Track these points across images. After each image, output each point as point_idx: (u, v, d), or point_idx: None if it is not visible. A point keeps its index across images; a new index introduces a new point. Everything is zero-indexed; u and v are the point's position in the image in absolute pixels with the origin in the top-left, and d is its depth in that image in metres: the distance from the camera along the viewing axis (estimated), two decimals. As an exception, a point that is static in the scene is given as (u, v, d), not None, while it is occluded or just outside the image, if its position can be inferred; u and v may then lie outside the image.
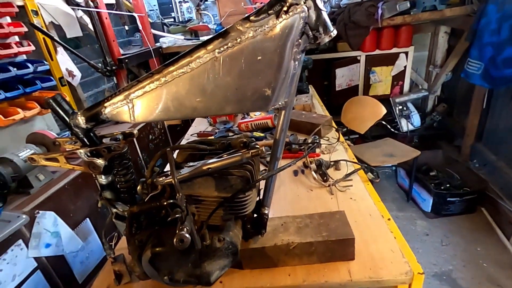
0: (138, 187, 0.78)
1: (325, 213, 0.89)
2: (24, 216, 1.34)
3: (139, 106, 0.64)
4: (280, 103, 0.62)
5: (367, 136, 3.01)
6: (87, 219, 1.89)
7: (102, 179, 0.76)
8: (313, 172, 1.21)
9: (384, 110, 2.59)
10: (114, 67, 2.43)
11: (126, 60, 2.48)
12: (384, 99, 3.12)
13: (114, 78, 2.53)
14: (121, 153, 0.71)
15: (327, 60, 3.26)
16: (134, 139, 2.37)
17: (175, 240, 0.50)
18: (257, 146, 0.63)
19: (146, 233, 0.75)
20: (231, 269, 0.82)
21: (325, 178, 1.18)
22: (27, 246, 1.48)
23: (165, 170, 0.79)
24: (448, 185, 2.42)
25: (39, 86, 1.90)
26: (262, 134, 1.62)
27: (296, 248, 0.80)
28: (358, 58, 3.20)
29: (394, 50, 3.11)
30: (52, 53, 2.16)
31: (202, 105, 0.62)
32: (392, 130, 3.26)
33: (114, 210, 0.80)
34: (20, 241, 1.44)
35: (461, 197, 2.28)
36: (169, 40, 3.04)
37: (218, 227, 0.73)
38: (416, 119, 3.20)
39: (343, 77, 3.27)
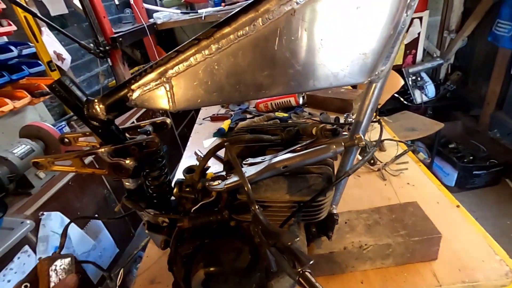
0: (175, 190, 0.63)
1: (395, 206, 0.75)
2: (28, 221, 1.18)
3: (180, 86, 0.47)
4: (377, 72, 0.45)
5: (382, 110, 2.86)
6: (96, 216, 1.74)
7: (130, 184, 0.60)
8: (358, 156, 1.06)
9: (401, 81, 2.43)
10: (107, 47, 2.18)
11: (120, 39, 2.23)
12: (396, 70, 2.95)
13: (108, 60, 2.29)
14: (155, 150, 0.54)
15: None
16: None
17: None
18: (345, 133, 0.47)
19: (191, 245, 0.61)
20: (292, 280, 0.69)
21: (372, 161, 1.04)
22: (35, 252, 1.33)
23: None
24: (471, 158, 2.31)
25: (27, 72, 1.67)
26: (286, 114, 1.45)
27: (370, 251, 0.67)
28: (369, 26, 2.98)
29: (408, 15, 2.89)
30: (37, 34, 1.92)
31: (269, 81, 0.45)
32: (405, 102, 3.11)
33: (146, 219, 0.65)
34: (27, 247, 1.30)
35: (488, 169, 2.19)
36: (163, 15, 2.76)
37: (282, 235, 0.58)
38: (431, 90, 3.05)
39: (353, 48, 3.06)
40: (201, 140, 1.44)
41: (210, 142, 1.41)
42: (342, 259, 0.68)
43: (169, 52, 0.46)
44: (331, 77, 0.44)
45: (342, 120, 1.31)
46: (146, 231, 0.66)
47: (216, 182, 0.48)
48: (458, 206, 0.85)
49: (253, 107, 1.65)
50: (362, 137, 0.45)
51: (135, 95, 0.48)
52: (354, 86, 1.87)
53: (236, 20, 0.42)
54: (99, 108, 0.48)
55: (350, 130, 0.57)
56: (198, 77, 0.46)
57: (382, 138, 1.14)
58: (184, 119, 3.04)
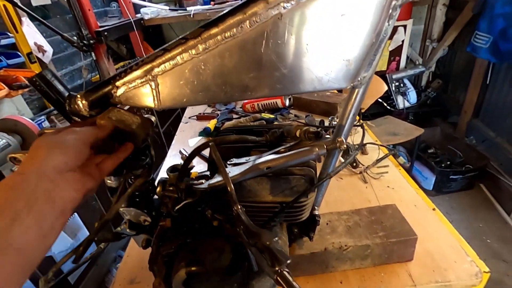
0: (158, 189, 0.62)
1: (374, 208, 0.78)
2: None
3: (166, 85, 0.47)
4: (359, 78, 0.47)
5: (366, 114, 2.93)
6: (75, 213, 1.69)
7: (112, 181, 0.59)
8: (340, 158, 1.09)
9: (385, 87, 2.49)
10: (92, 41, 2.12)
11: (106, 33, 2.18)
12: (380, 76, 3.02)
13: (93, 54, 2.23)
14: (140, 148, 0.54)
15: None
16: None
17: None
18: (328, 136, 0.48)
19: (173, 244, 0.60)
20: (273, 279, 0.69)
21: (354, 164, 1.07)
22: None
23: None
24: (448, 163, 2.40)
25: (4, 63, 1.61)
26: (272, 116, 1.46)
27: (349, 251, 0.68)
28: (355, 32, 3.04)
29: (393, 23, 2.97)
30: (17, 24, 1.84)
31: (255, 83, 0.46)
32: (388, 107, 3.19)
33: (127, 217, 0.64)
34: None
35: (464, 174, 2.28)
36: (151, 10, 2.71)
37: (264, 235, 0.59)
38: (413, 96, 3.15)
39: (339, 53, 3.12)
40: (187, 139, 1.43)
41: (196, 141, 1.40)
42: (323, 260, 0.69)
43: (156, 50, 0.46)
44: (315, 81, 0.46)
45: (326, 123, 1.34)
46: (128, 230, 0.65)
47: (200, 182, 0.48)
48: (434, 209, 0.88)
49: (240, 108, 1.65)
50: (344, 141, 0.46)
51: (119, 92, 0.48)
52: (339, 90, 1.91)
53: (224, 21, 0.43)
54: (81, 104, 0.48)
55: (333, 133, 0.58)
56: (184, 77, 0.46)
57: (365, 142, 1.18)
58: (169, 117, 3.00)
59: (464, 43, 2.73)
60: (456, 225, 2.18)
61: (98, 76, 2.48)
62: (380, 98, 3.06)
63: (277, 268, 0.33)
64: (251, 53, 0.44)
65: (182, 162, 1.08)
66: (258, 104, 1.56)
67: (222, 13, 0.42)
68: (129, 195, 0.50)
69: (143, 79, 0.47)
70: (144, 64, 0.46)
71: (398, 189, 0.96)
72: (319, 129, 0.46)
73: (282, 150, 0.49)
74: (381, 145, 1.13)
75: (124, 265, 0.81)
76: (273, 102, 1.53)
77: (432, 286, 0.67)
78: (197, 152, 0.50)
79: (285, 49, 0.43)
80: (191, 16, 2.60)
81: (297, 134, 0.49)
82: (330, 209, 0.81)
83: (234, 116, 1.59)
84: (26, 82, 1.61)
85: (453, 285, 0.67)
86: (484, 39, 2.06)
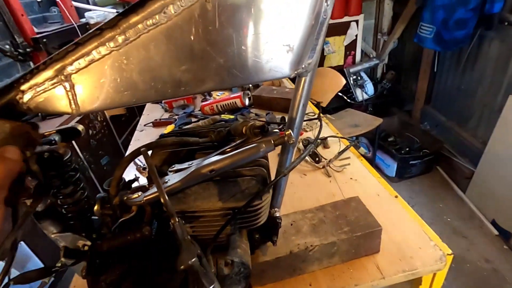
0: (96, 207, 0.54)
1: (338, 202, 0.75)
2: None
3: (83, 85, 0.39)
4: (303, 66, 0.43)
5: (328, 108, 2.98)
6: (21, 242, 1.51)
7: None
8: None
9: (343, 81, 2.56)
10: (28, 49, 1.93)
11: (45, 40, 1.99)
12: (338, 70, 3.10)
13: (31, 63, 2.03)
14: (62, 162, 0.46)
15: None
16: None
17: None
18: (276, 130, 0.44)
19: (116, 270, 0.53)
20: (238, 292, 0.64)
21: (317, 159, 1.05)
22: None
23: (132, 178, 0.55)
24: (407, 149, 2.51)
25: None
26: (232, 116, 1.41)
27: (316, 251, 0.65)
28: (311, 28, 3.09)
29: (346, 18, 3.06)
30: None
31: (189, 76, 0.40)
32: (348, 100, 3.28)
33: (62, 244, 0.55)
34: None
35: (422, 159, 2.39)
36: (97, 14, 2.54)
37: (221, 246, 0.53)
38: (370, 88, 3.27)
39: (297, 50, 3.15)
40: (142, 147, 1.33)
41: (152, 149, 1.30)
42: (289, 263, 0.65)
43: (67, 46, 0.39)
44: (257, 71, 0.41)
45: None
46: (63, 258, 0.56)
47: (135, 195, 0.41)
48: (396, 197, 0.89)
49: (199, 110, 1.58)
50: (292, 134, 0.42)
51: (26, 97, 0.40)
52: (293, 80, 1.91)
53: (144, 7, 0.37)
54: (-23, 115, 0.39)
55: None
56: (104, 74, 0.39)
57: (326, 135, 1.16)
58: (128, 126, 2.83)
59: (411, 35, 2.88)
60: (419, 208, 2.25)
61: (41, 87, 2.26)
62: (340, 92, 3.13)
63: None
64: (180, 43, 0.38)
65: (137, 173, 0.98)
66: (217, 105, 1.50)
67: (140, -2, 0.36)
68: (25, 219, 0.40)
69: (55, 80, 0.39)
70: (54, 62, 0.38)
71: (361, 180, 0.95)
72: (263, 123, 0.42)
73: (228, 150, 0.44)
74: (341, 137, 1.13)
75: (70, 297, 0.71)
76: (232, 102, 1.48)
77: (400, 276, 0.66)
78: (128, 160, 0.43)
79: (218, 36, 0.38)
80: (142, 18, 2.46)
81: (243, 131, 0.44)
82: (295, 208, 0.77)
83: (193, 119, 1.51)
84: None
85: (420, 272, 0.66)
86: (428, 29, 2.18)
